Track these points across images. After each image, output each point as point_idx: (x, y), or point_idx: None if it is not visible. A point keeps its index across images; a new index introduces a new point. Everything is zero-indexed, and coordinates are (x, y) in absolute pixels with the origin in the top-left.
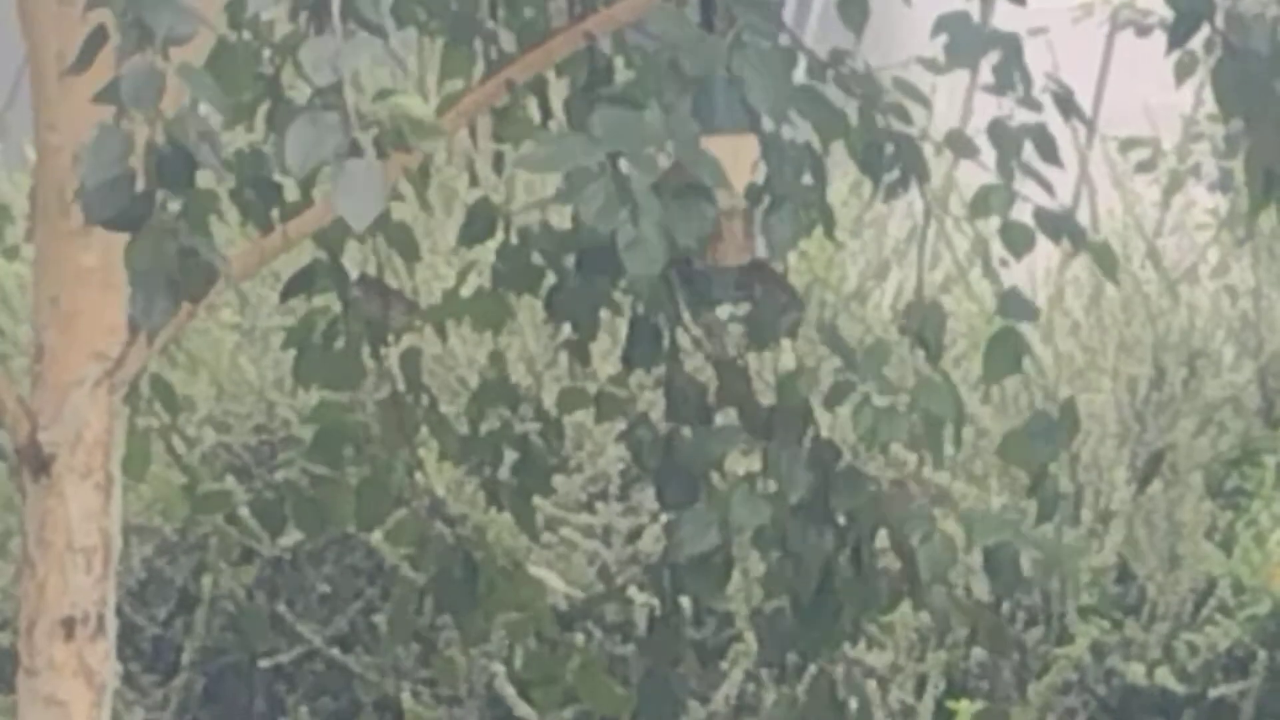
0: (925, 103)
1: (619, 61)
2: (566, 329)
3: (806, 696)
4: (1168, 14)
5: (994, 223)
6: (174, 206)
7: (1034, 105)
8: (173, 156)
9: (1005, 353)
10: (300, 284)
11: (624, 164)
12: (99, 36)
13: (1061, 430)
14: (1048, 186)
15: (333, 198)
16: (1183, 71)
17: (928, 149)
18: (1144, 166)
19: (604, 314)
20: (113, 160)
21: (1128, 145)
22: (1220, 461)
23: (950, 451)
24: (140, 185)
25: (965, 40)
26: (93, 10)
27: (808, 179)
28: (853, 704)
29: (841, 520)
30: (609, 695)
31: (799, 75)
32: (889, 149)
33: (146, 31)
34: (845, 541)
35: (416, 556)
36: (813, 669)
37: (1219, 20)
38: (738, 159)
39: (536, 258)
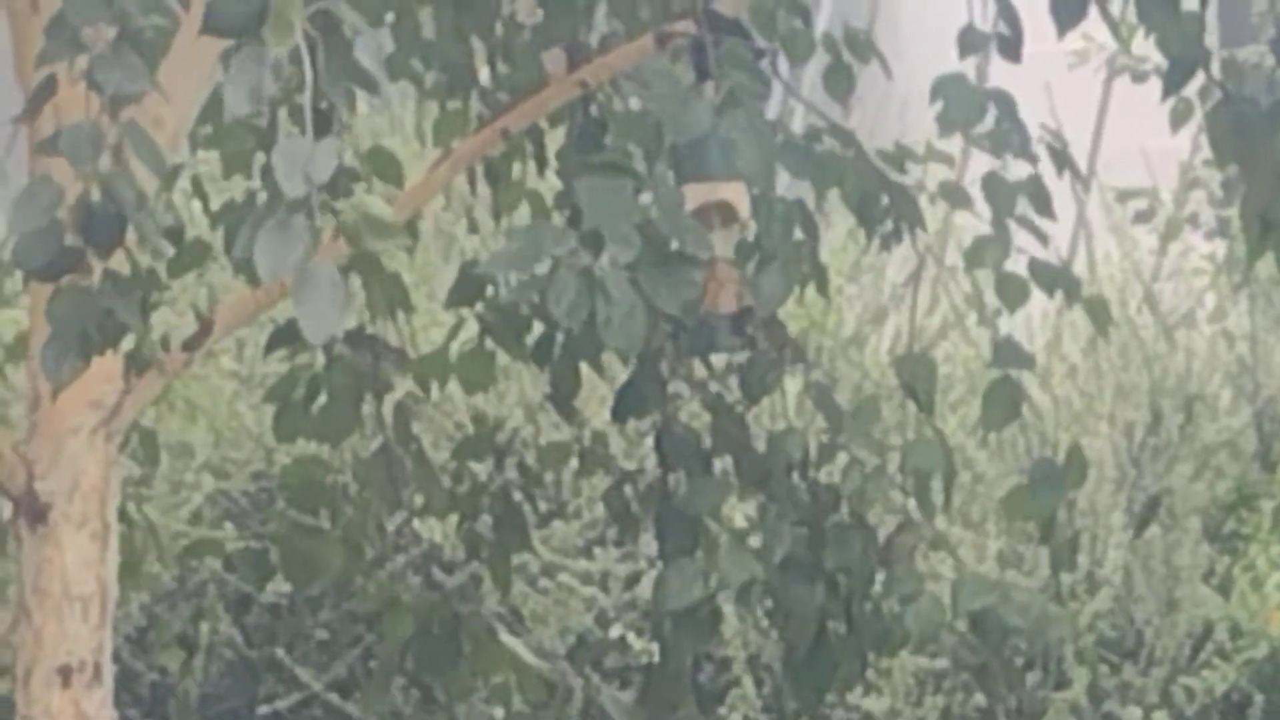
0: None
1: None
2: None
3: None
4: (1163, 60)
5: (990, 271)
6: (149, 259)
7: (1030, 158)
8: (102, 214)
9: (1003, 402)
10: (284, 338)
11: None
12: (47, 88)
13: (1067, 476)
14: (1042, 238)
15: (295, 309)
16: (1178, 118)
17: (922, 200)
18: (1142, 217)
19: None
20: (41, 211)
21: (1125, 196)
22: (1217, 505)
23: (939, 504)
24: (69, 239)
25: (961, 105)
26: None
27: (798, 235)
28: None
29: (831, 572)
30: None
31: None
32: (884, 199)
33: (96, 88)
34: (837, 594)
35: (387, 616)
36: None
37: (1214, 68)
38: (739, 203)
39: (523, 308)
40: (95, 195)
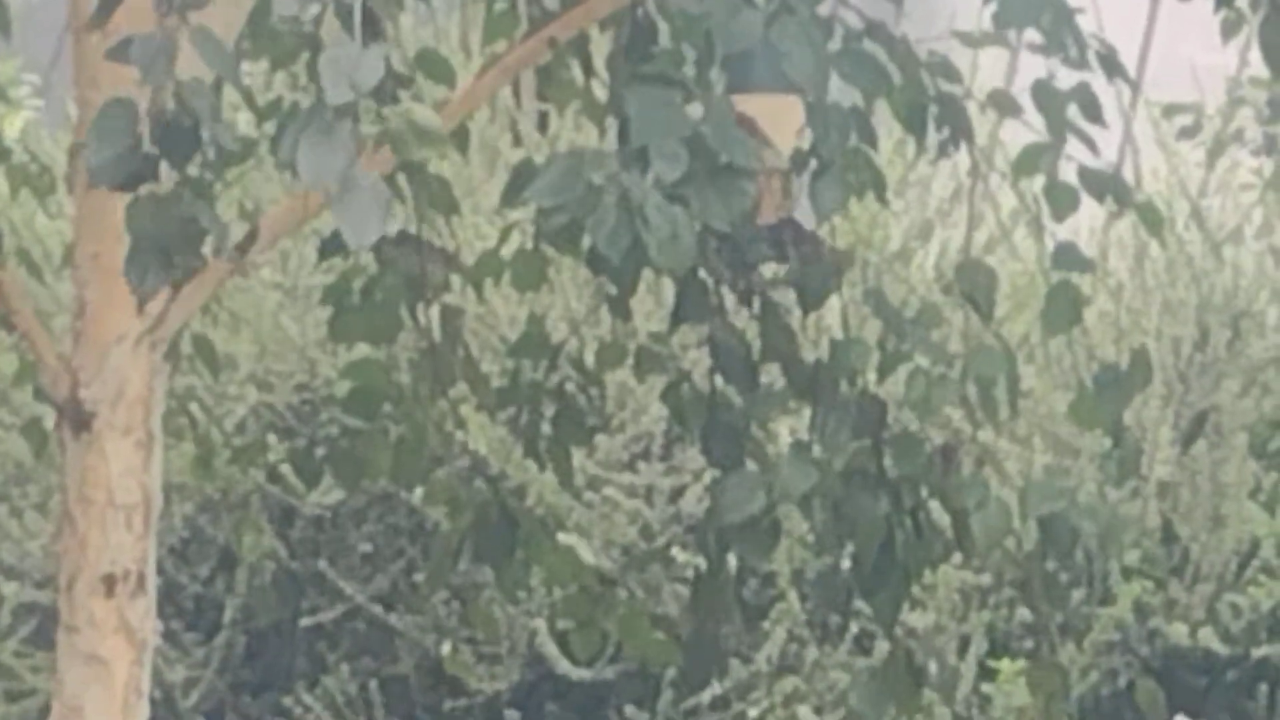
0: (960, 80)
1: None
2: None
3: (883, 664)
4: None
5: (1038, 183)
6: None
7: (1081, 65)
8: (176, 126)
9: (1064, 305)
10: (338, 242)
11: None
12: None
13: (1133, 380)
14: (1092, 145)
15: (335, 215)
16: (1229, 29)
17: (972, 108)
18: (1187, 132)
19: (646, 270)
20: (118, 132)
21: (1171, 110)
22: (1264, 422)
23: (1005, 414)
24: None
25: (1018, 5)
26: None
27: (854, 141)
28: (932, 668)
29: (895, 482)
30: (654, 644)
31: (837, 41)
32: (933, 109)
33: None
34: (901, 504)
35: (452, 513)
36: (854, 629)
37: None
38: (778, 120)
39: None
40: (169, 104)
